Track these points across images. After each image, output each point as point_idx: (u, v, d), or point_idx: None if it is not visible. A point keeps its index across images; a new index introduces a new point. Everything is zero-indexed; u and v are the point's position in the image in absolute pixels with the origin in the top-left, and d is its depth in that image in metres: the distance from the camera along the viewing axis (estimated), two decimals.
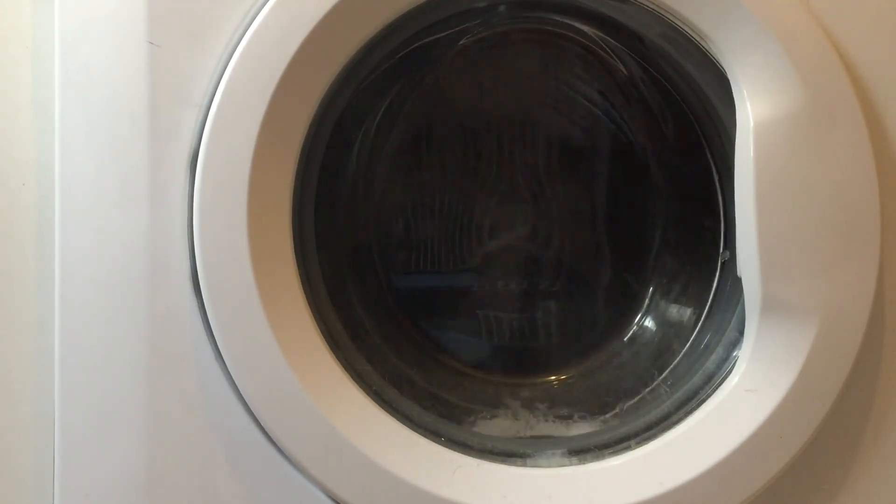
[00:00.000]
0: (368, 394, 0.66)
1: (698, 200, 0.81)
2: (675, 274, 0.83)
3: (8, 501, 0.71)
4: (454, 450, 0.66)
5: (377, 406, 0.65)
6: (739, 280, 0.67)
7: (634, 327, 0.85)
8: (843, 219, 0.64)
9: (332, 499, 0.64)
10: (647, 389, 0.76)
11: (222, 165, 0.62)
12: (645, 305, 0.85)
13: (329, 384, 0.64)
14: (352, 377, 0.66)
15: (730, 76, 0.66)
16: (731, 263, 0.75)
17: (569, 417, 0.76)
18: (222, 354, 0.63)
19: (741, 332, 0.69)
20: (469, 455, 0.66)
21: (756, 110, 0.64)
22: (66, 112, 0.64)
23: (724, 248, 0.78)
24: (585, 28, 0.79)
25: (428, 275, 0.85)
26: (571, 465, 0.67)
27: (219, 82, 0.62)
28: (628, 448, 0.67)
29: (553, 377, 0.84)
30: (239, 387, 0.63)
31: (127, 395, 0.64)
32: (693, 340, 0.78)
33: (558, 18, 0.79)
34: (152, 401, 0.64)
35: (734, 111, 0.65)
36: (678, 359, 0.77)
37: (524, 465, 0.67)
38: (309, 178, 0.70)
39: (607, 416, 0.75)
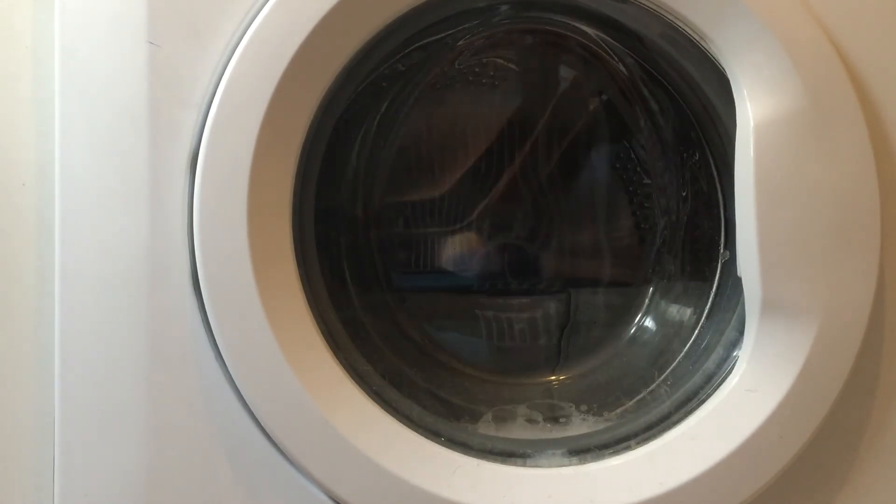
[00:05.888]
0: (368, 394, 0.66)
1: (698, 200, 0.81)
2: (675, 274, 0.83)
3: (8, 501, 0.71)
4: (454, 450, 0.66)
5: (377, 406, 0.65)
6: (739, 280, 0.67)
7: (634, 327, 0.85)
8: (843, 219, 0.64)
9: (332, 499, 0.64)
10: (648, 389, 0.76)
11: (222, 165, 0.62)
12: (645, 305, 0.85)
13: (329, 384, 0.64)
14: (352, 377, 0.66)
15: (730, 76, 0.66)
16: (731, 263, 0.74)
17: (569, 417, 0.76)
18: (222, 354, 0.63)
19: (741, 332, 0.69)
20: (469, 455, 0.66)
21: (756, 110, 0.64)
22: (66, 112, 0.64)
23: (724, 248, 0.78)
24: (586, 28, 0.79)
25: (428, 274, 0.85)
26: (571, 465, 0.67)
27: (219, 82, 0.62)
28: (628, 448, 0.67)
29: (553, 377, 0.84)
30: (239, 387, 0.63)
31: (127, 395, 0.64)
32: (693, 340, 0.78)
33: (558, 18, 0.79)
34: (152, 401, 0.64)
35: (734, 111, 0.65)
36: (678, 359, 0.77)
37: (524, 465, 0.67)
38: (309, 178, 0.70)
39: (607, 416, 0.75)
